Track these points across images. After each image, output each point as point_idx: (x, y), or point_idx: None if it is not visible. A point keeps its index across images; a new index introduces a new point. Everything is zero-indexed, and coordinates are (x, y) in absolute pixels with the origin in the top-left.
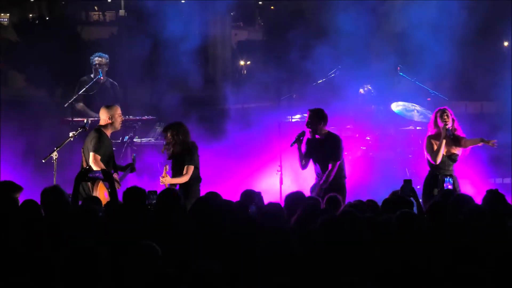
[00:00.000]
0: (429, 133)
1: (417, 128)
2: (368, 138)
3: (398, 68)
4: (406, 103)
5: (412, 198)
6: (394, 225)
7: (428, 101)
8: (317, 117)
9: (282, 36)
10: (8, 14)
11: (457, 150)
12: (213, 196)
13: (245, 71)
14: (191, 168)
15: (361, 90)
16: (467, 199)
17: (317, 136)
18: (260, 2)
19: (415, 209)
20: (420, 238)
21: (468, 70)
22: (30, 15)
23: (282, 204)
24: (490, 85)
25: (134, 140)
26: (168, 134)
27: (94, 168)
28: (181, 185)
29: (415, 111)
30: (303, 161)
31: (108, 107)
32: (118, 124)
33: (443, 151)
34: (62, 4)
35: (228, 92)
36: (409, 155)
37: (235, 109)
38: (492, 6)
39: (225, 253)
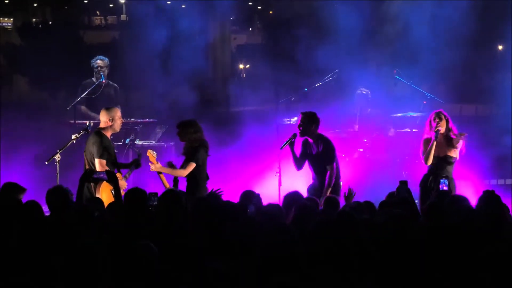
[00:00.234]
0: (424, 136)
1: (414, 130)
2: (365, 140)
3: (395, 71)
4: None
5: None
6: (390, 226)
7: (424, 104)
8: (309, 120)
9: (281, 39)
10: (11, 19)
11: (452, 152)
12: (213, 197)
13: (244, 75)
14: (191, 165)
15: (358, 93)
16: (462, 200)
17: (309, 140)
18: (259, 7)
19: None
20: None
21: (463, 73)
22: (34, 19)
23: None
24: (485, 88)
25: (136, 142)
26: (179, 131)
27: None
28: (188, 182)
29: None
30: (298, 162)
31: (108, 109)
32: (118, 126)
33: (433, 153)
34: (65, 9)
35: (228, 95)
36: (405, 157)
37: (234, 112)
38: (487, 10)
39: (225, 253)
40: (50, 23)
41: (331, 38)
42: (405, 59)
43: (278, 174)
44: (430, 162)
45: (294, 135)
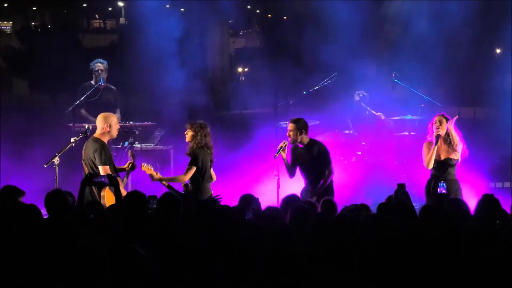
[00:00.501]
0: (426, 139)
1: (411, 133)
2: (364, 144)
3: (393, 74)
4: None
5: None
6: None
7: (422, 107)
8: (298, 127)
9: (279, 43)
10: (11, 22)
11: (453, 155)
12: (211, 200)
13: (242, 78)
14: (191, 169)
15: (356, 96)
16: (460, 202)
17: (300, 145)
18: (257, 10)
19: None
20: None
21: (462, 76)
22: (33, 23)
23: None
24: (484, 91)
25: (134, 145)
26: (187, 132)
27: None
28: (192, 184)
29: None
30: (290, 170)
31: (106, 115)
32: (115, 132)
33: (435, 156)
34: (64, 13)
35: (226, 98)
36: (404, 160)
37: (233, 115)
38: (486, 14)
39: (225, 255)
40: (49, 26)
41: (330, 41)
42: (404, 62)
43: (277, 177)
44: (431, 166)
45: (285, 143)
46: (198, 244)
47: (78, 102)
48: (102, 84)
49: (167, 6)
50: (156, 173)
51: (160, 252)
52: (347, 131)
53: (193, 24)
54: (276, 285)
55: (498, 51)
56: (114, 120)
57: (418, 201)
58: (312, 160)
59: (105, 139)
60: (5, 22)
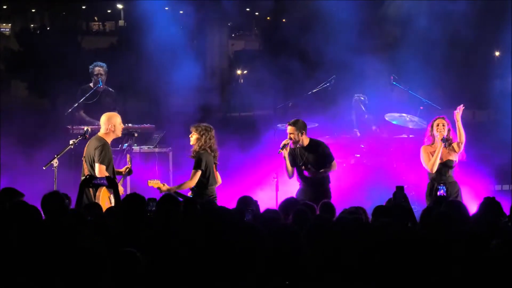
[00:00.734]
0: (424, 143)
1: (410, 136)
2: (363, 146)
3: (392, 77)
4: (398, 115)
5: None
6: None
7: (421, 109)
8: (298, 128)
9: (278, 45)
10: (10, 24)
11: (452, 157)
12: (210, 202)
13: (241, 80)
14: (197, 174)
15: (355, 99)
16: (458, 205)
17: (299, 145)
18: (256, 13)
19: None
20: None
21: (460, 79)
22: (32, 25)
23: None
24: (483, 94)
25: (133, 147)
26: (191, 134)
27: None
28: (197, 187)
29: (409, 120)
30: (290, 170)
31: (110, 115)
32: (119, 132)
33: (438, 160)
34: (63, 15)
35: (225, 100)
36: (402, 162)
37: (232, 117)
38: (485, 16)
39: (224, 257)
40: (48, 28)
41: (329, 43)
42: (402, 64)
43: (276, 179)
44: (435, 169)
45: (288, 141)
46: (197, 245)
47: (77, 104)
48: (101, 86)
49: (166, 8)
50: (163, 185)
51: (159, 254)
52: (348, 135)
53: (192, 27)
54: (275, 285)
55: (497, 53)
56: (118, 120)
57: (417, 203)
58: (317, 160)
59: (109, 139)
60: (4, 24)
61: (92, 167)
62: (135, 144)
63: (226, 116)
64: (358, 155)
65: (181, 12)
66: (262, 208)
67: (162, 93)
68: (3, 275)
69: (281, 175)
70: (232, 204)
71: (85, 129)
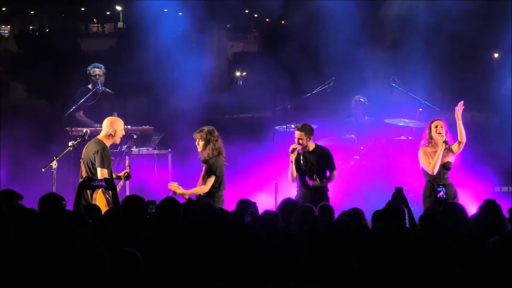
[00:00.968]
0: (423, 145)
1: (409, 138)
2: (362, 148)
3: (391, 79)
4: (398, 120)
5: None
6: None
7: (420, 111)
8: (307, 133)
9: (277, 47)
10: (9, 26)
11: (449, 158)
12: (209, 204)
13: (241, 82)
14: (211, 179)
15: (355, 100)
16: (458, 207)
17: (306, 150)
18: (255, 15)
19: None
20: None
21: (460, 81)
22: (31, 27)
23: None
24: (482, 96)
25: (132, 149)
26: (197, 142)
27: None
28: (208, 192)
29: (408, 122)
30: (293, 174)
31: (113, 119)
32: (118, 138)
33: (433, 161)
34: (62, 17)
35: (224, 102)
36: (401, 164)
37: (231, 119)
38: (484, 18)
39: (224, 257)
40: (47, 30)
41: (328, 44)
42: (401, 66)
43: (275, 181)
44: (436, 170)
45: (296, 146)
46: (197, 245)
47: (76, 106)
48: (100, 88)
49: (165, 10)
50: (178, 188)
51: (159, 254)
52: (347, 135)
53: (191, 28)
54: (275, 286)
55: (496, 55)
56: (120, 126)
57: (416, 205)
58: (320, 167)
59: (108, 143)
60: (3, 26)
61: (90, 169)
62: (134, 146)
63: (225, 118)
64: (357, 157)
65: (180, 14)
66: (261, 210)
67: (161, 95)
68: (2, 277)
69: (281, 177)
70: (231, 207)
71: (84, 131)
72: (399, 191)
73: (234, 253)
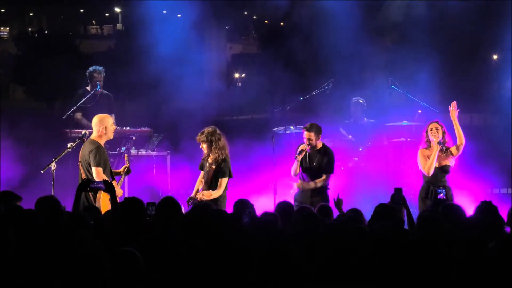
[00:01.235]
0: (421, 146)
1: (408, 139)
2: (361, 149)
3: (390, 80)
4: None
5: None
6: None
7: (419, 113)
8: (317, 133)
9: (276, 49)
10: (7, 28)
11: (448, 161)
12: (207, 205)
13: (239, 83)
14: (224, 181)
15: (353, 102)
16: (456, 208)
17: (309, 151)
18: (254, 16)
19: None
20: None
21: (459, 82)
22: (30, 29)
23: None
24: (481, 98)
25: (131, 151)
26: (201, 145)
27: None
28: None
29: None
30: (297, 170)
31: (101, 117)
32: (111, 134)
33: (435, 163)
34: (61, 18)
35: (223, 104)
36: (400, 166)
37: (229, 120)
38: (483, 20)
39: (222, 260)
40: (46, 32)
41: (327, 46)
42: (400, 68)
43: (274, 183)
44: (431, 172)
45: (305, 146)
46: (196, 246)
47: (74, 107)
48: (99, 90)
49: (164, 12)
50: (207, 193)
51: (158, 255)
52: (342, 138)
53: (190, 30)
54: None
55: (495, 56)
56: (109, 121)
57: (415, 206)
58: (319, 164)
59: (102, 141)
60: (2, 28)
61: (88, 171)
62: (133, 148)
63: (223, 120)
64: (356, 159)
65: (179, 15)
66: (260, 212)
67: (160, 96)
68: (2, 278)
69: (280, 179)
70: (229, 208)
71: (83, 132)
72: (398, 191)
73: (233, 254)
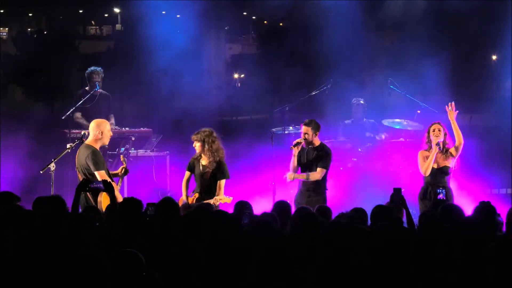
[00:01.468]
0: (422, 148)
1: (407, 140)
2: (360, 150)
3: (389, 81)
4: (397, 120)
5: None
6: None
7: (418, 113)
8: (314, 128)
9: (275, 49)
10: (7, 28)
11: (448, 163)
12: (207, 207)
13: (239, 84)
14: (224, 182)
15: (354, 103)
16: (455, 208)
17: (311, 146)
18: (253, 17)
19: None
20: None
21: (458, 83)
22: (29, 29)
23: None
24: (480, 98)
25: (130, 151)
26: (194, 144)
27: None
28: (211, 194)
29: (407, 124)
30: (295, 167)
31: (99, 122)
32: (107, 139)
33: (432, 164)
34: (60, 19)
35: (222, 104)
36: (399, 166)
37: (229, 121)
38: (482, 20)
39: (222, 260)
40: (45, 32)
41: (326, 46)
42: (399, 68)
43: (273, 183)
44: (428, 172)
45: (302, 140)
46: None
47: (74, 108)
48: (98, 90)
49: (163, 12)
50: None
51: (158, 256)
52: (342, 139)
53: (189, 31)
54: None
55: (494, 57)
56: (106, 127)
57: (414, 207)
58: (316, 161)
59: (97, 146)
60: (1, 28)
61: (86, 176)
62: (133, 148)
63: (223, 120)
64: (355, 159)
65: (178, 16)
66: (259, 213)
67: (159, 97)
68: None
69: (279, 179)
70: (228, 209)
71: (82, 133)
72: (397, 192)
73: (232, 254)
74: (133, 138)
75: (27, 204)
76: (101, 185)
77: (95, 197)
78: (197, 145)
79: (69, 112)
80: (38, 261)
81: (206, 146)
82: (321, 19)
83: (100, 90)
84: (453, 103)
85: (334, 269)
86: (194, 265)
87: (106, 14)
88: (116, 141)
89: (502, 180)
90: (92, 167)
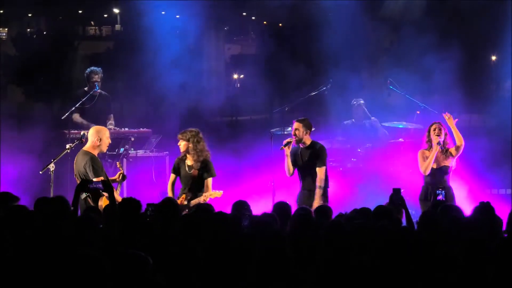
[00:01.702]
0: (422, 147)
1: (407, 140)
2: (359, 150)
3: (388, 81)
4: (397, 123)
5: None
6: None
7: (418, 114)
8: (304, 126)
9: (275, 49)
10: (6, 29)
11: (448, 162)
12: (207, 207)
13: (238, 84)
14: (211, 180)
15: (354, 104)
16: (455, 209)
17: (301, 145)
18: (253, 17)
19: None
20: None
21: (457, 83)
22: (28, 29)
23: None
24: (479, 98)
25: (129, 152)
26: (179, 142)
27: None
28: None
29: (407, 124)
30: (290, 167)
31: (98, 129)
32: (105, 147)
33: (432, 163)
34: (59, 19)
35: (222, 105)
36: (399, 167)
37: (228, 121)
38: (481, 21)
39: (222, 261)
40: (44, 33)
41: (326, 47)
42: (399, 69)
43: (273, 184)
44: (428, 171)
45: (291, 140)
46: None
47: (73, 108)
48: (97, 91)
49: (163, 13)
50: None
51: (158, 256)
52: (340, 138)
53: (189, 31)
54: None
55: (493, 57)
56: (106, 134)
57: (414, 207)
58: (311, 160)
59: (95, 152)
60: (0, 29)
61: None
62: (132, 149)
63: (222, 121)
64: (354, 159)
65: (177, 16)
66: (259, 213)
67: (158, 97)
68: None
69: (278, 179)
70: (226, 209)
71: (81, 133)
72: (396, 192)
73: (232, 254)
74: (132, 139)
75: (26, 204)
76: (100, 185)
77: (96, 202)
78: (181, 144)
79: (68, 113)
80: (38, 261)
81: (191, 145)
82: (321, 19)
83: (100, 91)
84: (448, 114)
85: (334, 269)
86: (194, 265)
87: (105, 14)
88: (116, 141)
89: (502, 180)
90: (91, 174)
